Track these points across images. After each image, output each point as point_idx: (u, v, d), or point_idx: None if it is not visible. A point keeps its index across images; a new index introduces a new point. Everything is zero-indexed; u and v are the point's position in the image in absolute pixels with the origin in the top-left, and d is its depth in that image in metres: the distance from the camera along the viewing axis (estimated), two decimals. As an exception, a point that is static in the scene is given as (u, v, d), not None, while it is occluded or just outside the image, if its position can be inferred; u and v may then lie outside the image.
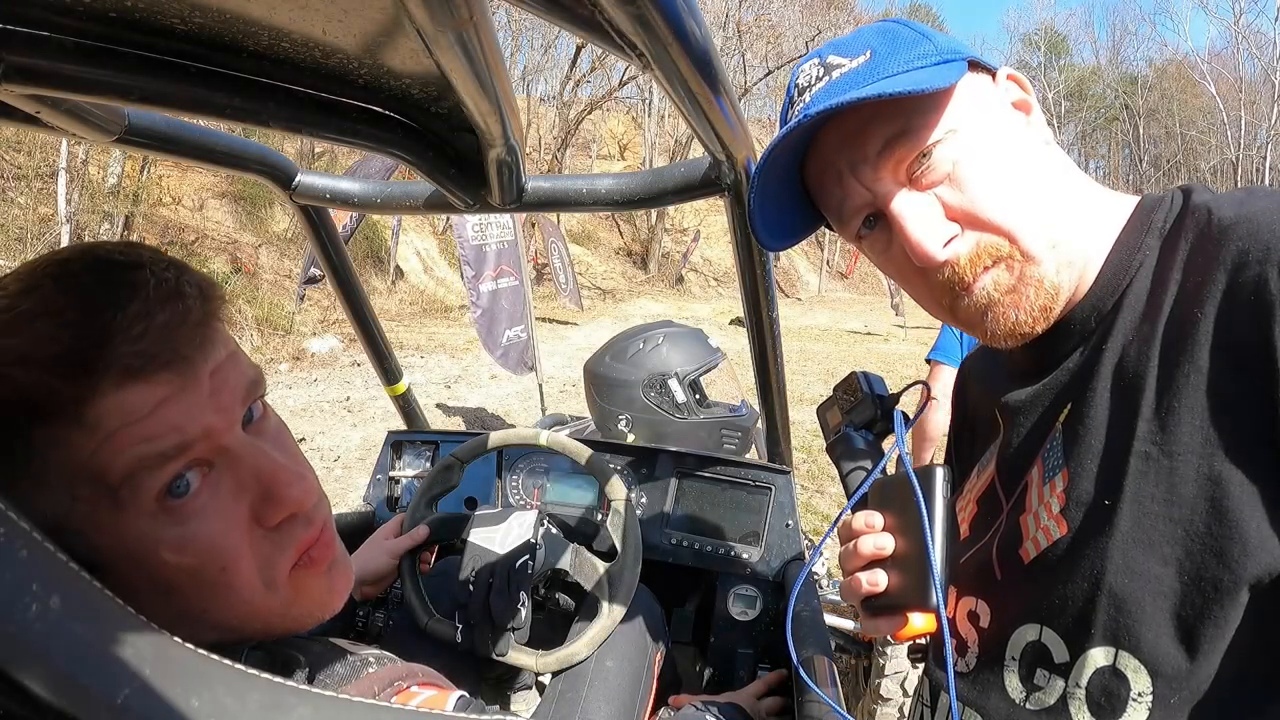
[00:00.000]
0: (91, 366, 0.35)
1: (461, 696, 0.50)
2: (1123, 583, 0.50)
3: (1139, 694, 0.49)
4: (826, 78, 0.60)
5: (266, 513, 0.42)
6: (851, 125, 0.57)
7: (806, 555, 1.45)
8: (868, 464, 0.72)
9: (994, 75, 0.61)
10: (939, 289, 0.59)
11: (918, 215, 0.56)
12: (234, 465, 0.41)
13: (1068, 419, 0.57)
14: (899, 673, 1.77)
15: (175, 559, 0.39)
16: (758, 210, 0.65)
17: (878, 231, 0.61)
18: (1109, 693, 0.50)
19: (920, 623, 0.59)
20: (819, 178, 0.63)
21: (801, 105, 0.61)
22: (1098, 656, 0.51)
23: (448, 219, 7.93)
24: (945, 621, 0.57)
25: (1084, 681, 0.51)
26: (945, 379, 2.53)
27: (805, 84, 0.62)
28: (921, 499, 0.58)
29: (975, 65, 0.60)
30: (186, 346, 0.39)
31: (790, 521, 1.44)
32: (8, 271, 0.39)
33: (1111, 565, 0.50)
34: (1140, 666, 0.49)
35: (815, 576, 1.81)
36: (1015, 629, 0.57)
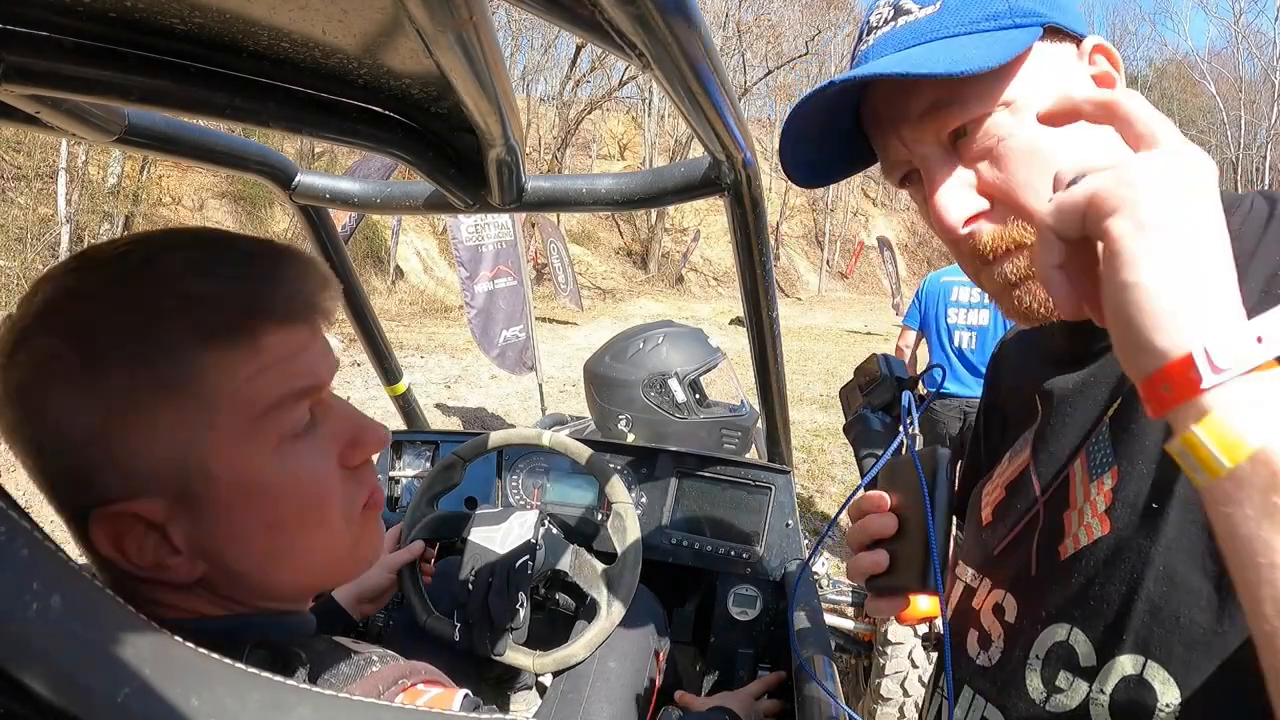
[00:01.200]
0: (262, 307, 0.44)
1: (466, 695, 0.50)
2: (1160, 591, 0.48)
3: (1165, 706, 0.46)
4: (892, 24, 0.57)
5: (352, 455, 0.49)
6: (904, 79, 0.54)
7: (807, 555, 1.45)
8: (881, 448, 0.72)
9: (1079, 43, 0.56)
10: (964, 257, 0.57)
11: (947, 185, 0.54)
12: (329, 413, 0.48)
13: (1116, 415, 0.55)
14: (899, 673, 1.77)
15: (285, 491, 0.44)
16: (790, 147, 0.61)
17: (915, 187, 0.59)
18: (1134, 703, 0.48)
19: (925, 605, 0.58)
20: (869, 121, 0.60)
21: (864, 48, 0.58)
22: (1125, 664, 0.49)
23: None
24: (944, 603, 0.56)
25: (1108, 688, 0.50)
26: (907, 338, 3.07)
27: (875, 23, 0.59)
28: (925, 481, 0.57)
29: (1056, 31, 0.54)
30: (323, 309, 0.48)
31: (790, 521, 1.44)
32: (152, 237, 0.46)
33: (1151, 571, 0.48)
34: (1169, 679, 0.47)
35: (815, 576, 1.81)
36: (1044, 627, 0.55)
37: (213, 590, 0.45)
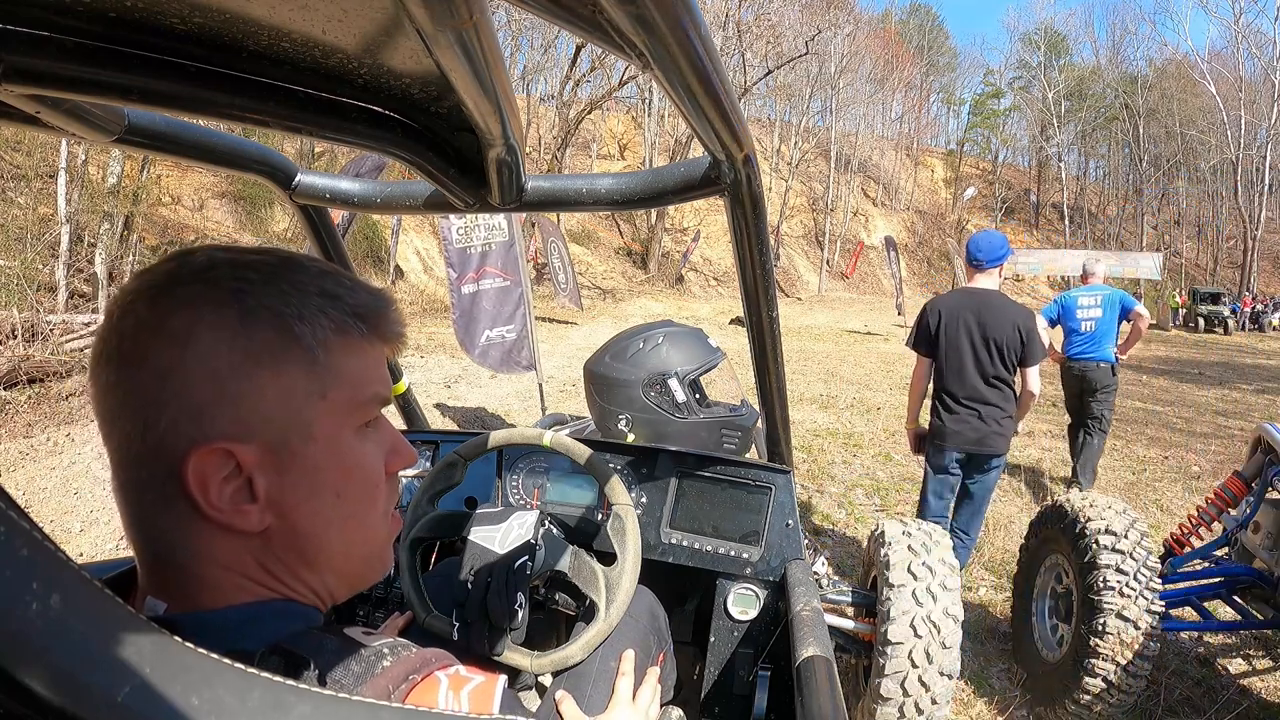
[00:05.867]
0: (378, 323, 0.53)
1: (503, 679, 0.52)
2: None
3: None
4: None
5: (393, 462, 0.57)
6: None
7: (807, 555, 1.45)
8: None
9: None
10: None
11: None
12: (381, 424, 0.57)
13: None
14: (899, 673, 1.77)
15: (356, 466, 0.53)
16: None
17: None
18: None
19: None
20: None
21: None
22: None
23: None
24: None
25: None
26: (1043, 324, 4.27)
27: None
28: None
29: None
30: (404, 340, 0.58)
31: (790, 521, 1.44)
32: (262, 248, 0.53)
33: None
34: None
35: (815, 576, 1.81)
36: None
37: (266, 549, 0.49)
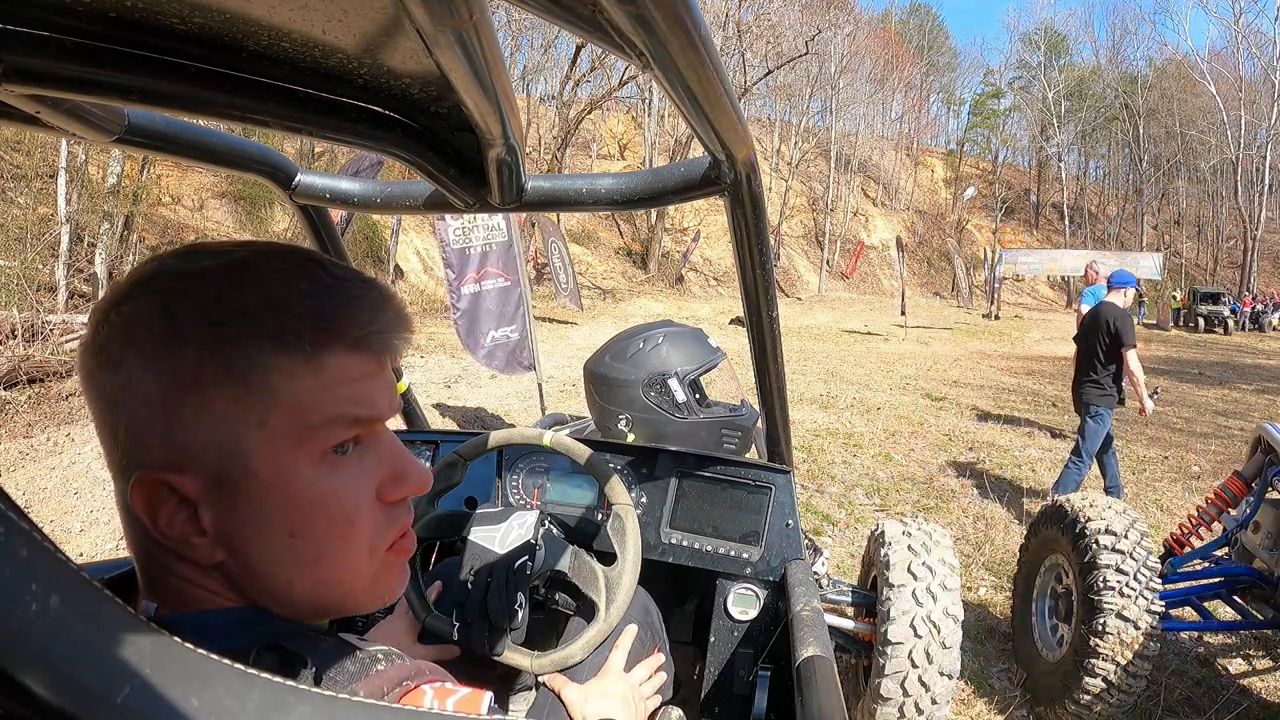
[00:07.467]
0: (337, 328, 0.46)
1: (490, 695, 0.50)
2: None
3: None
4: None
5: (391, 489, 0.51)
6: None
7: (807, 555, 1.45)
8: None
9: None
10: None
11: None
12: (377, 445, 0.51)
13: None
14: (899, 673, 1.77)
15: (315, 503, 0.47)
16: None
17: None
18: None
19: None
20: None
21: None
22: None
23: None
24: None
25: None
26: (1082, 307, 5.59)
27: None
28: None
29: None
30: (392, 346, 0.50)
31: (790, 521, 1.44)
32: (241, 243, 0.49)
33: None
34: None
35: (815, 576, 1.81)
36: None
37: (228, 579, 0.47)
